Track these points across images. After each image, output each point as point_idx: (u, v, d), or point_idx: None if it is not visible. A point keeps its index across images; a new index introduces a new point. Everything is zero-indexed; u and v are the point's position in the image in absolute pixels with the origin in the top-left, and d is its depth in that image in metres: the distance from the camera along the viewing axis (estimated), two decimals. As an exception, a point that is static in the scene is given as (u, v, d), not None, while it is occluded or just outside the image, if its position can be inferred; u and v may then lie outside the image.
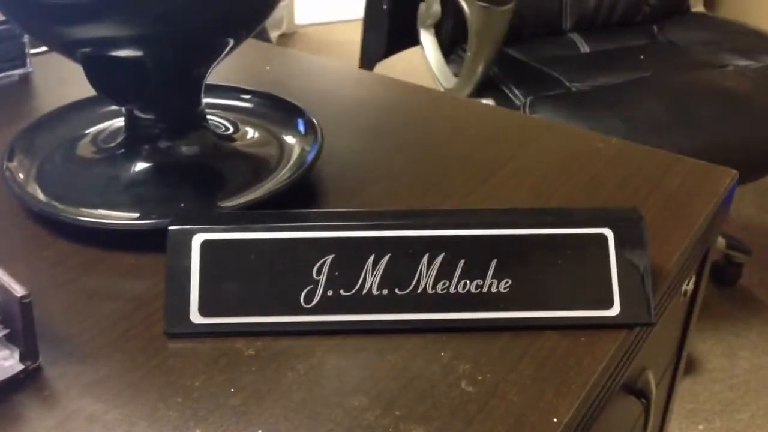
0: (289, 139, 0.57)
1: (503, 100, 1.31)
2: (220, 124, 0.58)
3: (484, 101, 1.26)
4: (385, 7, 1.42)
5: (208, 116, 0.56)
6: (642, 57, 1.47)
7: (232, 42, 0.50)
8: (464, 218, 0.43)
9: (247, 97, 0.62)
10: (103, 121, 0.59)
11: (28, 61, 0.71)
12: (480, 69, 1.28)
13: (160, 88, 0.50)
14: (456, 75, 1.39)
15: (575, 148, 0.61)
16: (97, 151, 0.56)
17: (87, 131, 0.58)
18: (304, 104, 0.60)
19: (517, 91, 1.32)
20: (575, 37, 1.57)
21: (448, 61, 1.46)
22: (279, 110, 0.60)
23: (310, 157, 0.54)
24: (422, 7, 1.46)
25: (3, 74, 0.70)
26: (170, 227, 0.42)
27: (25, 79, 0.71)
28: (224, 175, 0.54)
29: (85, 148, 0.56)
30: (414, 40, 1.50)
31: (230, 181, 0.53)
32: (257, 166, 0.54)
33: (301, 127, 0.58)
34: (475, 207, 0.53)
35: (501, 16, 1.25)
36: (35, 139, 0.57)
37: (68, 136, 0.58)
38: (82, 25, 0.46)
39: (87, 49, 0.48)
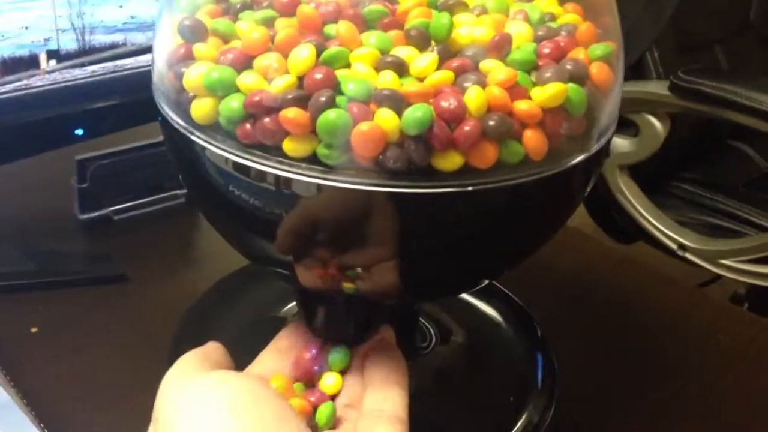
0: (518, 358, 0.47)
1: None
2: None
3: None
4: None
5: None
6: None
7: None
8: None
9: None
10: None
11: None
12: None
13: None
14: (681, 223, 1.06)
15: None
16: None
17: (264, 308, 0.48)
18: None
19: None
20: None
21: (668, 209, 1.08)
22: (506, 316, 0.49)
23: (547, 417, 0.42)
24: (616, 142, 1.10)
25: (170, 195, 0.62)
26: None
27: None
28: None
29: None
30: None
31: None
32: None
33: (539, 361, 0.46)
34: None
35: None
36: (205, 324, 0.47)
37: (244, 319, 0.47)
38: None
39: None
